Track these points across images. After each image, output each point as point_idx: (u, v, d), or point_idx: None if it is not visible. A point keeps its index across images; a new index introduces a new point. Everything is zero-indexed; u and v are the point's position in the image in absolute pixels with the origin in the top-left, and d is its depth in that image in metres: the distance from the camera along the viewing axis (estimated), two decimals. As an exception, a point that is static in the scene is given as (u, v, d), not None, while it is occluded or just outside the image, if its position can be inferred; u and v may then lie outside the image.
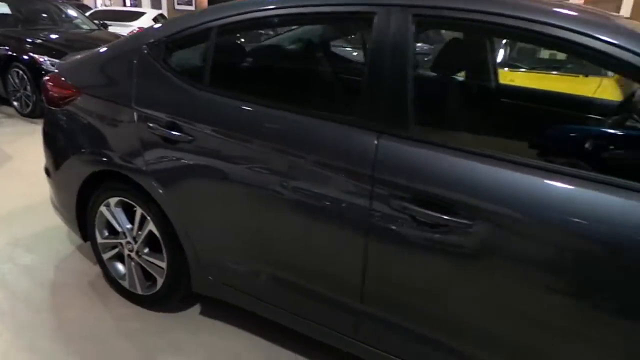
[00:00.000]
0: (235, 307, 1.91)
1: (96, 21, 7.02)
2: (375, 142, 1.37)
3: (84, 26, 6.50)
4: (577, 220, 1.12)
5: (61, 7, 6.87)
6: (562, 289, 1.18)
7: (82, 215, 2.17)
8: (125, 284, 2.14)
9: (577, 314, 1.17)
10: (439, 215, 1.26)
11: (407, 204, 1.31)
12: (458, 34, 1.90)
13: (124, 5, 14.36)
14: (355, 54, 4.62)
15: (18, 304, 2.10)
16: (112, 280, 2.20)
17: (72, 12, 6.78)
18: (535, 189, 1.18)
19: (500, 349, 1.32)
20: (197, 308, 2.16)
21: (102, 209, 2.07)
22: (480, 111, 1.49)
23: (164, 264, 1.96)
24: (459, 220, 1.25)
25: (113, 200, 2.02)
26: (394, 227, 1.34)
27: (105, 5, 13.74)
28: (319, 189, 1.47)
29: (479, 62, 1.73)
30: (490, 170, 1.23)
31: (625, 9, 7.25)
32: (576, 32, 1.18)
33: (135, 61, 1.88)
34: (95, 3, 14.26)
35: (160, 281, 2.01)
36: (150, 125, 1.78)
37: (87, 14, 8.32)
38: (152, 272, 2.03)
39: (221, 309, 2.08)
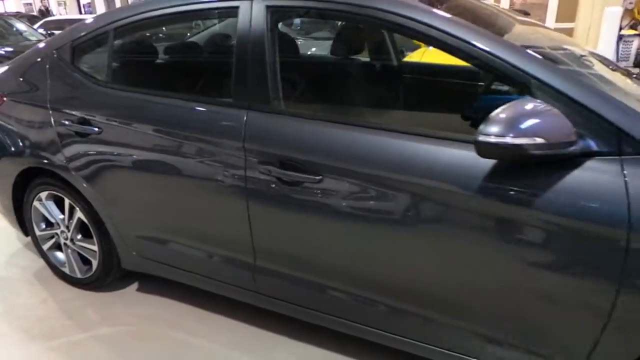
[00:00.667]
0: (169, 281, 2.14)
1: (43, 31, 7.09)
2: (245, 117, 1.61)
3: (32, 38, 6.59)
4: (412, 171, 1.36)
5: (9, 21, 6.93)
6: (397, 232, 1.43)
7: (20, 212, 2.37)
8: (66, 270, 2.35)
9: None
10: (296, 174, 1.51)
11: (271, 167, 1.55)
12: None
13: (80, 12, 14.27)
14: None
15: (-32, 298, 2.30)
16: (55, 269, 2.41)
17: (20, 26, 6.85)
18: (367, 144, 1.43)
19: (368, 286, 1.57)
20: (134, 285, 2.38)
21: (36, 203, 2.27)
22: (333, 85, 1.73)
23: (95, 247, 2.18)
24: (312, 177, 1.49)
25: (44, 195, 2.23)
26: (265, 189, 1.59)
27: (60, 14, 13.66)
28: (208, 163, 1.70)
29: (342, 44, 1.95)
30: (334, 132, 1.48)
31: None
32: (399, 15, 1.41)
33: (47, 65, 2.08)
34: (50, 11, 14.12)
35: (95, 263, 2.23)
36: (65, 122, 1.98)
37: (37, 24, 8.35)
38: (87, 256, 2.25)
39: (156, 284, 2.31)
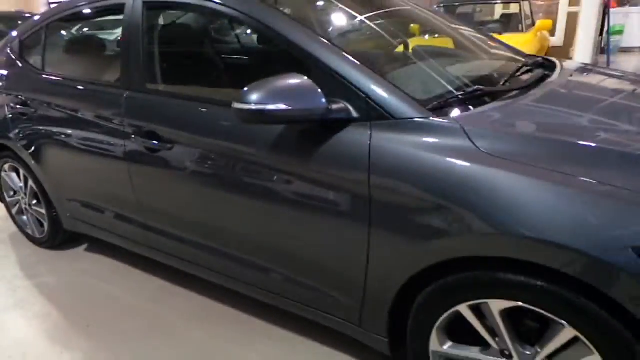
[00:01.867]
0: (113, 246, 2.49)
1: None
2: (124, 96, 1.92)
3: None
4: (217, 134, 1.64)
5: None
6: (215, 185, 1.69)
7: (-5, 182, 2.84)
8: (29, 231, 2.79)
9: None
10: (156, 143, 1.80)
11: (139, 137, 1.85)
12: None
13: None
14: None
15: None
16: (22, 230, 2.86)
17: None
18: (196, 116, 1.70)
19: (206, 234, 1.85)
20: (84, 246, 2.78)
21: (2, 174, 2.72)
22: (189, 69, 1.99)
23: (44, 211, 2.59)
24: (166, 145, 1.78)
25: (6, 166, 2.67)
26: (138, 156, 1.89)
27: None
28: (104, 135, 2.02)
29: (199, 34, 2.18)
30: (177, 107, 1.76)
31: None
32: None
33: (5, 57, 2.50)
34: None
35: (46, 225, 2.64)
36: (12, 105, 2.40)
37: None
38: (40, 219, 2.67)
39: (103, 247, 2.69)
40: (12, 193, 2.79)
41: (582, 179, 1.11)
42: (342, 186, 1.38)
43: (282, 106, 1.31)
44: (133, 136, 1.88)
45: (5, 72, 2.48)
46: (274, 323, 2.02)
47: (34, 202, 2.65)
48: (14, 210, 2.83)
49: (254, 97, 1.33)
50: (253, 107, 1.32)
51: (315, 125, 1.41)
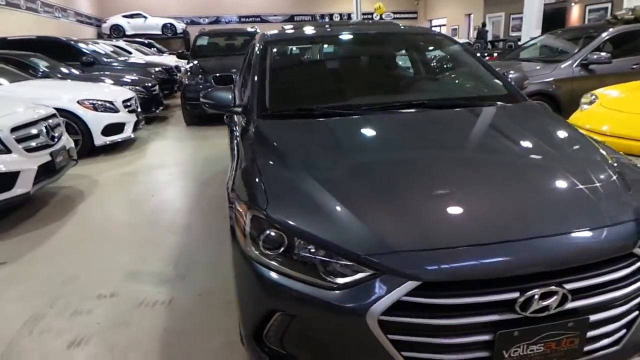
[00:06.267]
0: None
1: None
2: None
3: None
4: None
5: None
6: None
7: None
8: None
9: None
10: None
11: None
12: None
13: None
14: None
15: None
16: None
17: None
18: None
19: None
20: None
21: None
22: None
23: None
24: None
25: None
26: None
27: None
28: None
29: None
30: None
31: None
32: None
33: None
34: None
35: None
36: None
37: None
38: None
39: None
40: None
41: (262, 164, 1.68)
42: (233, 139, 2.32)
43: (210, 101, 2.34)
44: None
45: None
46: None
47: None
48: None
49: (204, 95, 2.41)
50: (201, 100, 2.40)
51: (231, 112, 2.36)
